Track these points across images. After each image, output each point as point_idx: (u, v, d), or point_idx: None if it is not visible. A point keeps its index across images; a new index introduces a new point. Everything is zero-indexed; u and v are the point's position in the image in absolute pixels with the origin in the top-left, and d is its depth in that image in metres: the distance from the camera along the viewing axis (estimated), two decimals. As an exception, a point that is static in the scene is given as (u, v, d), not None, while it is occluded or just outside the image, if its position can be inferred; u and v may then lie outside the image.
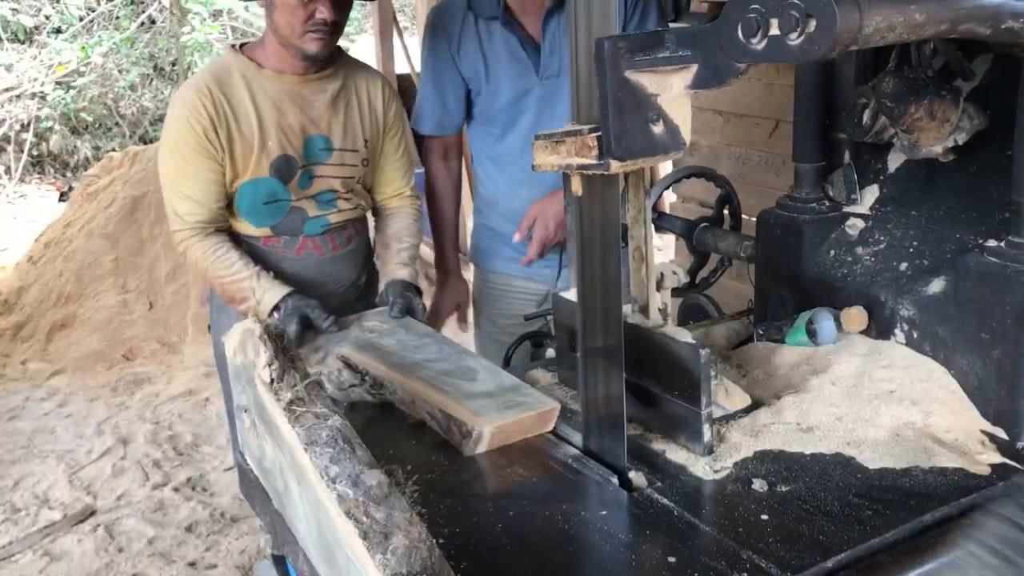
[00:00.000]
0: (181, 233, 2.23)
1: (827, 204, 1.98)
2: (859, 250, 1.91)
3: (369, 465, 1.20)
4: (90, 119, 9.90)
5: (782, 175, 3.53)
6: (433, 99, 2.59)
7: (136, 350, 5.14)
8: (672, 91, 1.30)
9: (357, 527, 1.08)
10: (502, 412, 1.64)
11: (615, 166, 1.32)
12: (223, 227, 2.27)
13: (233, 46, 2.31)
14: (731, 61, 1.20)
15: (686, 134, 1.33)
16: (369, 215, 2.56)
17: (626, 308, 1.67)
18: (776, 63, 1.88)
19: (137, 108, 10.09)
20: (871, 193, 1.97)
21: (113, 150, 8.22)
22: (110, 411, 4.41)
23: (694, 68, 1.27)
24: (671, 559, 1.29)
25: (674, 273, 1.70)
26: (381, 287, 2.36)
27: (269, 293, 2.15)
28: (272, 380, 1.34)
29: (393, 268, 2.37)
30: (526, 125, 2.52)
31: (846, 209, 1.98)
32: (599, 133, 1.32)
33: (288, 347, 1.42)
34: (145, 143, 9.00)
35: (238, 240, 2.30)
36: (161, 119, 9.53)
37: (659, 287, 1.66)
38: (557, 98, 2.46)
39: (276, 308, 2.13)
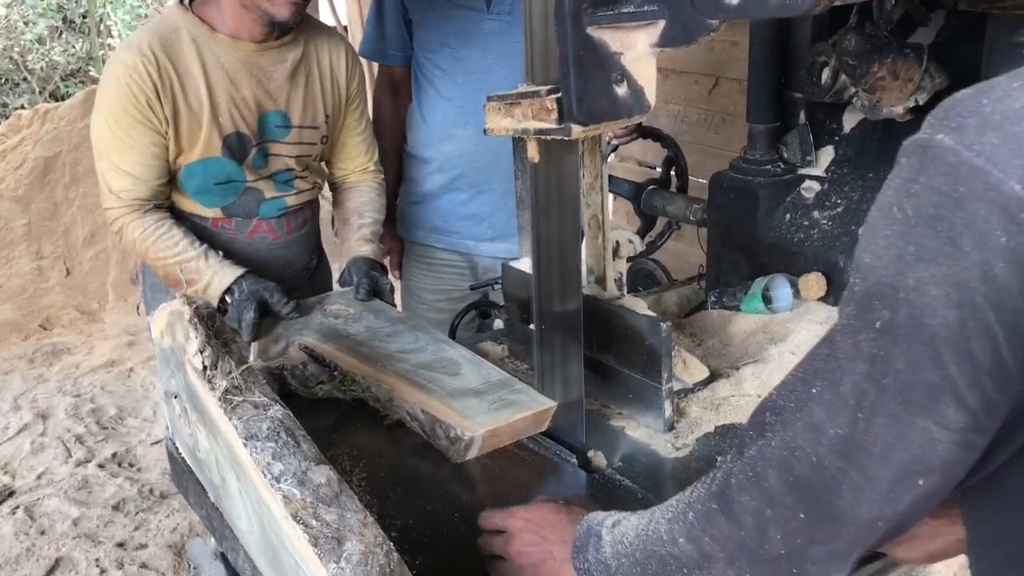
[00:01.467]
0: (116, 211, 1.97)
1: (781, 166, 1.92)
2: (816, 214, 1.85)
3: (316, 460, 1.10)
4: (-5, 74, 9.40)
5: (722, 133, 3.48)
6: (374, 23, 2.46)
7: (53, 319, 4.89)
8: (636, 49, 1.20)
9: (306, 532, 0.99)
10: (494, 413, 1.41)
11: (577, 131, 1.22)
12: (163, 204, 2.03)
13: (182, 1, 1.99)
14: (703, 17, 1.11)
15: (651, 96, 1.24)
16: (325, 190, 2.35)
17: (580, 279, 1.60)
18: (753, 18, 1.80)
19: (46, 63, 9.60)
20: (826, 155, 1.92)
21: (22, 107, 7.81)
22: (27, 384, 4.19)
23: (661, 24, 1.17)
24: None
25: (630, 241, 1.62)
26: (341, 265, 2.10)
27: (220, 275, 1.91)
28: (205, 368, 1.23)
29: (354, 244, 2.12)
30: (471, 63, 2.37)
31: (801, 171, 1.93)
32: (558, 95, 1.22)
33: (221, 330, 1.30)
34: (56, 100, 8.59)
35: (181, 219, 2.04)
36: (72, 75, 9.11)
37: (615, 255, 1.58)
38: (508, 39, 2.31)
39: (228, 291, 1.89)
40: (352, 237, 2.15)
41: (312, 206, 2.26)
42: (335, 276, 2.26)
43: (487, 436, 1.37)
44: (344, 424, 1.59)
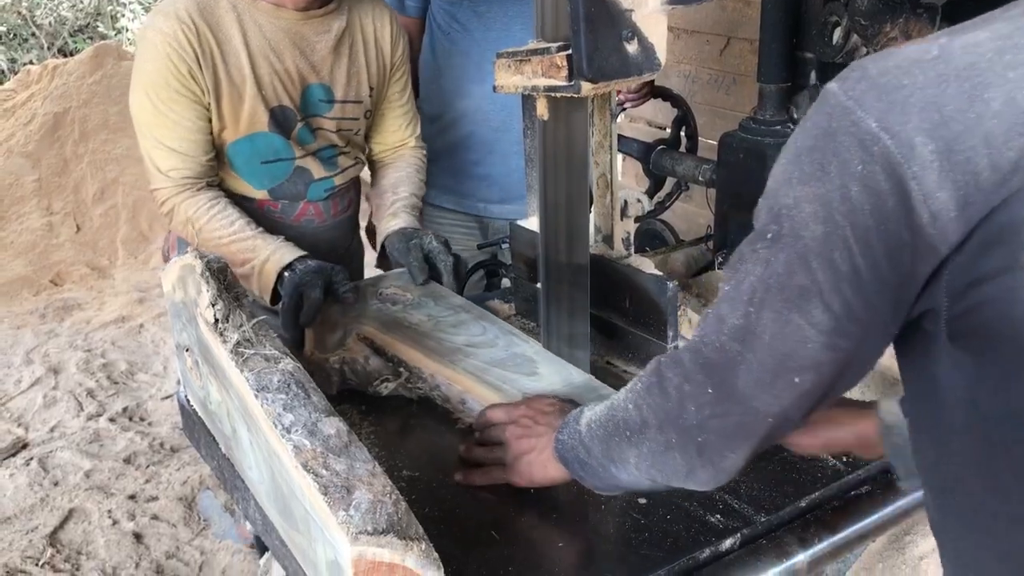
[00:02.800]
0: (165, 191, 1.84)
1: (791, 127, 1.92)
2: (824, 175, 1.85)
3: (326, 412, 1.12)
4: (3, 29, 9.36)
5: (732, 94, 3.46)
6: None
7: (64, 275, 4.92)
8: (648, 7, 1.21)
9: (316, 481, 1.01)
10: None
11: (586, 88, 1.23)
12: (214, 182, 1.90)
13: None
14: (714, -26, 1.11)
15: (661, 54, 1.25)
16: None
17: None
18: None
19: (55, 18, 9.55)
20: (836, 115, 1.91)
21: (30, 63, 7.80)
22: (39, 339, 4.23)
23: (672, -18, 1.17)
24: (642, 500, 1.25)
25: (638, 200, 1.62)
26: (380, 235, 2.00)
27: (279, 252, 1.75)
28: (216, 321, 1.24)
29: (387, 221, 1.99)
30: (491, 19, 2.30)
31: (811, 132, 1.92)
32: (569, 52, 1.22)
33: (233, 284, 1.32)
34: (65, 55, 8.56)
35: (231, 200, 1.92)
36: (81, 30, 9.06)
37: (623, 215, 1.58)
38: None
39: (289, 268, 1.72)
40: (384, 214, 2.02)
41: (356, 185, 2.17)
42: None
43: None
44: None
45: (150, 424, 3.53)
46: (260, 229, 1.82)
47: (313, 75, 1.91)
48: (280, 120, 1.88)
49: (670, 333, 1.48)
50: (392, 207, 2.02)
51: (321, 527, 1.00)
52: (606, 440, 1.05)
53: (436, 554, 0.97)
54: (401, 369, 1.55)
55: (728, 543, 1.17)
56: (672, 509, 1.22)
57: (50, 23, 9.59)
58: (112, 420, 3.53)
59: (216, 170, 1.89)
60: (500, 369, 1.48)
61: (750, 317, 0.84)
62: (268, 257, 1.75)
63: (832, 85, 0.79)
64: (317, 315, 1.63)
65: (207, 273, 1.28)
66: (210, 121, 1.84)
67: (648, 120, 3.85)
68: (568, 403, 1.28)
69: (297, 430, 1.08)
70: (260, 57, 1.83)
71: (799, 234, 0.79)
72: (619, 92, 2.30)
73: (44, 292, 4.76)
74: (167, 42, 1.75)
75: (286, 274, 1.71)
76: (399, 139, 2.16)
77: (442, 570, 0.96)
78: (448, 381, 1.47)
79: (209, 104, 1.81)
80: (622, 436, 1.02)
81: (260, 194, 1.95)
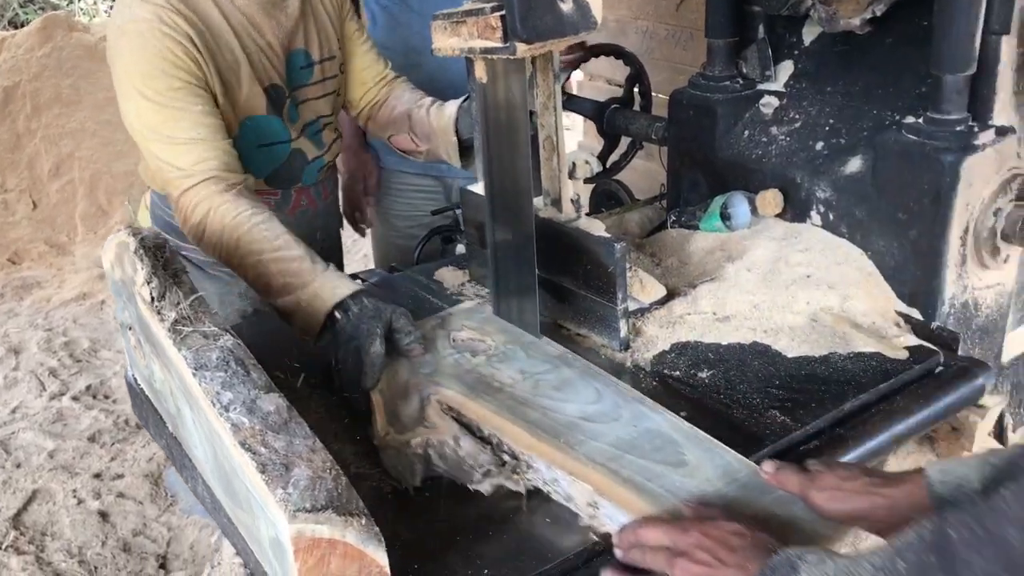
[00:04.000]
0: (195, 192, 1.55)
1: (740, 82, 1.90)
2: (774, 130, 1.84)
3: (266, 389, 1.11)
4: (-50, 2, 9.12)
5: (690, 49, 3.44)
6: None
7: (22, 253, 4.84)
8: (580, -36, 1.18)
9: (255, 459, 0.99)
10: None
11: (521, 49, 1.20)
12: (249, 184, 1.64)
13: None
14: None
15: (597, 12, 1.23)
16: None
17: (537, 201, 1.59)
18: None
19: (3, -11, 9.32)
20: (785, 69, 1.90)
21: (-21, 36, 7.61)
22: (-2, 319, 4.19)
23: (604, -63, 1.15)
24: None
25: (586, 162, 1.61)
26: (449, 132, 1.79)
27: (332, 282, 1.44)
28: (153, 298, 1.22)
29: (439, 110, 1.82)
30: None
31: (760, 87, 1.91)
32: (503, 12, 1.20)
33: (170, 260, 1.29)
34: (15, 27, 8.36)
35: None
36: (31, 0, 8.85)
37: (570, 176, 1.56)
38: None
39: (342, 307, 1.41)
40: (431, 114, 1.84)
41: (338, 164, 2.07)
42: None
43: None
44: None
45: (115, 401, 3.50)
46: (308, 248, 1.50)
47: (292, 41, 1.79)
48: (274, 99, 1.77)
49: (619, 295, 1.47)
50: (433, 107, 1.86)
51: (261, 505, 0.99)
52: None
53: (377, 528, 0.96)
54: (505, 456, 1.23)
55: (676, 503, 1.17)
56: (621, 472, 1.22)
57: (-2, -5, 9.36)
58: (76, 399, 3.50)
59: (241, 166, 1.65)
60: (635, 457, 1.18)
61: None
62: (317, 291, 1.43)
63: None
64: (382, 368, 1.36)
65: (141, 250, 1.25)
66: (216, 105, 1.64)
67: (607, 79, 3.81)
68: (761, 533, 0.97)
69: (236, 408, 1.07)
70: (244, 35, 1.69)
71: None
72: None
73: (2, 271, 4.69)
74: (155, 32, 1.56)
75: (338, 315, 1.41)
76: (377, 73, 1.99)
77: (383, 544, 0.96)
78: (570, 477, 1.15)
79: (214, 89, 1.64)
80: None
81: (257, 184, 1.77)
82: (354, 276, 1.79)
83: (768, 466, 1.11)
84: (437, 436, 1.26)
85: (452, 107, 1.82)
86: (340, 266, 2.07)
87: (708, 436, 1.21)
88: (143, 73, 1.57)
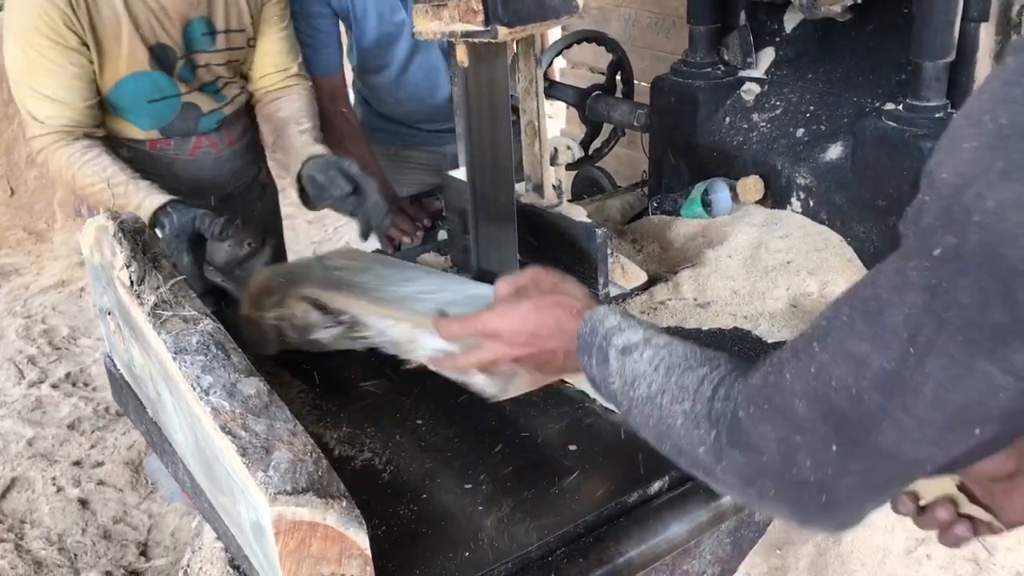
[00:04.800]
0: (41, 139, 1.83)
1: (722, 69, 1.91)
2: (755, 116, 1.85)
3: (246, 373, 1.10)
4: (-74, -14, 9.00)
5: (672, 37, 3.44)
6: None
7: (0, 240, 4.81)
8: (562, -53, 1.18)
9: (235, 442, 0.99)
10: None
11: (503, 32, 1.20)
12: (94, 132, 1.87)
13: None
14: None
15: (578, -4, 1.22)
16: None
17: (519, 187, 1.59)
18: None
19: (-20, -27, 9.20)
20: (767, 56, 1.91)
21: (-45, 21, 7.50)
22: (-25, 306, 4.15)
23: (586, -79, 1.15)
24: (572, 448, 1.25)
25: (568, 148, 1.61)
26: (294, 170, 1.84)
27: (151, 198, 1.73)
28: (132, 283, 1.21)
29: (303, 147, 1.88)
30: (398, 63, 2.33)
31: (742, 73, 1.91)
32: (484, -4, 1.20)
33: (149, 244, 1.28)
34: (-8, 13, 8.26)
35: (118, 146, 1.91)
36: (8, -15, 8.73)
37: (553, 162, 1.57)
38: None
39: (158, 220, 1.69)
40: (296, 142, 1.92)
41: (249, 112, 2.14)
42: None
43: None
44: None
45: (94, 389, 3.47)
46: (131, 173, 1.79)
47: (192, 10, 1.87)
48: (160, 58, 1.87)
49: (600, 280, 1.48)
50: (302, 136, 1.93)
51: (242, 488, 0.99)
52: (646, 415, 0.91)
53: (358, 511, 0.96)
54: (342, 319, 1.43)
55: (656, 486, 1.18)
56: (600, 453, 1.23)
57: (-25, -21, 9.22)
58: (55, 386, 3.47)
59: (98, 118, 1.87)
60: (455, 308, 1.31)
61: (907, 361, 0.63)
62: (140, 204, 1.73)
63: None
64: (194, 270, 1.67)
65: (120, 234, 1.25)
66: (88, 67, 1.81)
67: (590, 65, 3.81)
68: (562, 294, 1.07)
69: (216, 391, 1.07)
70: None
71: (999, 252, 0.57)
72: None
73: (-21, 258, 4.65)
74: None
75: (157, 229, 1.70)
76: (283, 65, 2.05)
77: (364, 527, 0.96)
78: (391, 322, 1.35)
79: (87, 47, 1.79)
80: (671, 446, 0.88)
81: (151, 134, 1.94)
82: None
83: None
84: (289, 312, 1.48)
85: (306, 150, 1.86)
86: (275, 211, 2.30)
87: None
88: (22, 27, 1.76)
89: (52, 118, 1.81)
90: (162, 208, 1.69)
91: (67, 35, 1.76)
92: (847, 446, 0.69)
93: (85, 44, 1.79)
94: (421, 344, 1.29)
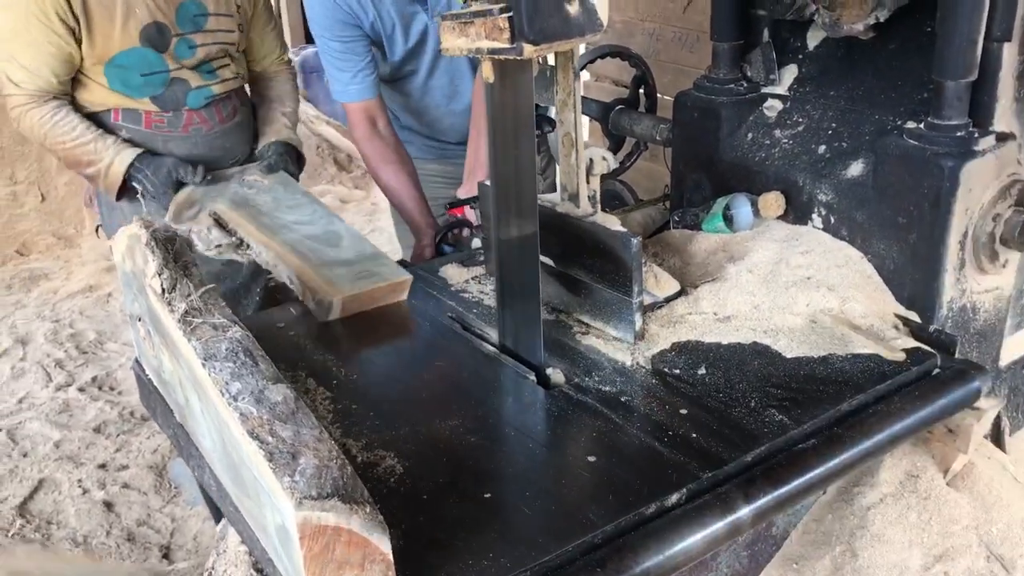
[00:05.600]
0: (15, 99, 2.07)
1: (745, 85, 1.92)
2: (777, 133, 1.86)
3: (273, 380, 1.13)
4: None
5: (696, 51, 3.46)
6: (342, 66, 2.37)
7: (30, 244, 4.88)
8: (588, -33, 1.20)
9: (262, 447, 1.02)
10: (356, 282, 1.68)
11: (528, 50, 1.22)
12: (63, 96, 2.12)
13: None
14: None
15: (603, 14, 1.24)
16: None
17: (555, 196, 1.62)
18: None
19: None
20: (789, 73, 1.92)
21: (-10, 29, 7.61)
22: (5, 310, 4.20)
23: (611, -58, 1.17)
24: (591, 459, 1.27)
25: (603, 159, 1.63)
26: (261, 145, 2.33)
27: (120, 154, 2.09)
28: (164, 290, 1.24)
29: (276, 128, 2.35)
30: (425, 68, 2.43)
31: (764, 90, 1.93)
32: (511, 14, 1.22)
33: (180, 253, 1.31)
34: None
35: (116, 129, 2.17)
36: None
37: (589, 172, 1.59)
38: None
39: (135, 169, 2.09)
40: (276, 122, 2.36)
41: (240, 95, 2.37)
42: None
43: (347, 300, 1.64)
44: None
45: (120, 393, 3.52)
46: (99, 131, 2.10)
47: None
48: (153, 36, 2.09)
49: (635, 288, 1.50)
50: (282, 119, 2.38)
51: (268, 493, 1.01)
52: None
53: (381, 517, 0.99)
54: (235, 239, 1.86)
55: (674, 498, 1.19)
56: (619, 465, 1.24)
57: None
58: (81, 390, 3.52)
59: (67, 89, 2.11)
60: (311, 241, 1.81)
61: None
62: (111, 161, 2.08)
63: None
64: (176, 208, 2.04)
65: (153, 243, 1.28)
66: (68, 50, 2.02)
67: (614, 79, 3.83)
68: None
69: (244, 398, 1.09)
70: None
71: None
72: None
73: (10, 263, 4.72)
74: None
75: (134, 179, 2.10)
76: (275, 55, 2.44)
77: (387, 532, 0.98)
78: (267, 248, 1.80)
79: (80, 32, 2.00)
80: None
81: (145, 104, 2.16)
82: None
83: None
84: (198, 226, 1.93)
85: (276, 132, 2.35)
86: None
87: (364, 236, 1.86)
88: (13, 1, 1.98)
89: (26, 82, 2.05)
90: (134, 163, 2.08)
91: (54, 19, 1.98)
92: None
93: (71, 29, 2.00)
94: (279, 270, 1.75)
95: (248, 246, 1.84)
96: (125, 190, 2.15)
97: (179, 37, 2.13)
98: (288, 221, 1.91)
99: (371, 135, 2.38)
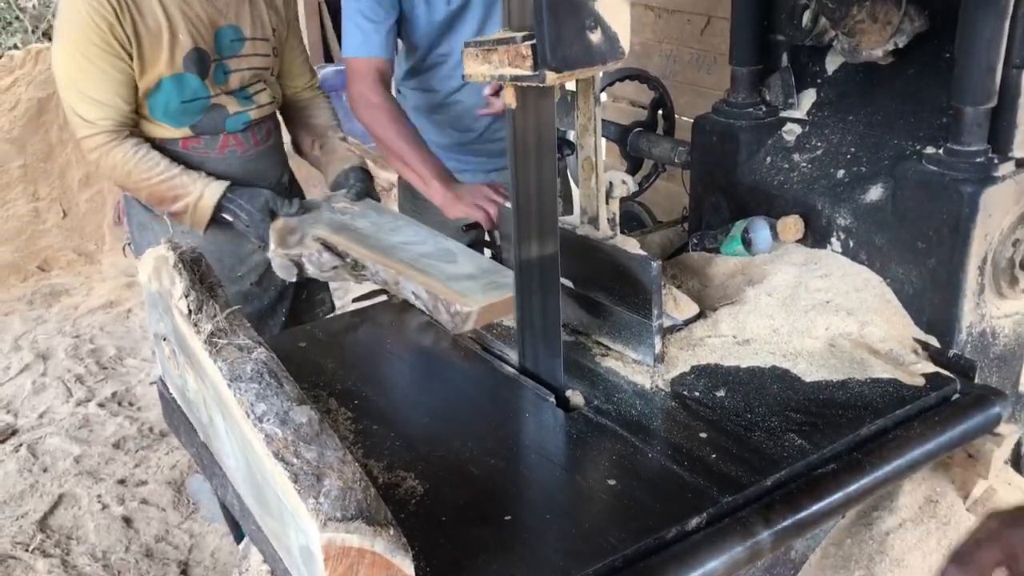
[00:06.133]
0: (94, 139, 2.03)
1: (764, 109, 1.94)
2: (796, 156, 1.87)
3: (298, 401, 1.14)
4: (-14, 13, 9.27)
5: (714, 73, 3.47)
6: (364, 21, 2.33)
7: (51, 260, 4.93)
8: (610, -4, 1.22)
9: (287, 469, 1.03)
10: (487, 293, 1.68)
11: (551, 77, 1.24)
12: (136, 131, 2.10)
13: None
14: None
15: (625, 42, 1.26)
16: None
17: (574, 219, 1.64)
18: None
19: (39, 1, 9.47)
20: (808, 97, 1.93)
21: (14, 47, 7.73)
22: (27, 325, 4.25)
23: (633, -29, 1.19)
24: (611, 482, 1.27)
25: (623, 182, 1.65)
26: (331, 176, 2.30)
27: (210, 187, 2.07)
28: (190, 311, 1.26)
29: (343, 156, 2.32)
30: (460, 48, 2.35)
31: (783, 114, 1.94)
32: (533, 42, 1.24)
33: (206, 274, 1.33)
34: (49, 40, 8.48)
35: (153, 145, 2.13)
36: (64, 13, 8.95)
37: (608, 195, 1.61)
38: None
39: (225, 201, 2.07)
40: (338, 148, 2.34)
41: (273, 120, 2.37)
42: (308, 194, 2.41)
43: (482, 311, 1.64)
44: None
45: (139, 409, 3.55)
46: (182, 167, 2.08)
47: (221, 18, 2.11)
48: (196, 62, 2.08)
49: (654, 311, 1.51)
50: (344, 144, 2.37)
51: (293, 514, 1.03)
52: None
53: (405, 539, 1.00)
54: (347, 260, 1.87)
55: (694, 522, 1.20)
56: (639, 489, 1.25)
57: (34, 6, 9.50)
58: (101, 405, 3.55)
59: (136, 120, 2.09)
60: (428, 259, 1.83)
61: None
62: (201, 193, 2.07)
63: None
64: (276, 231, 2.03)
65: (180, 264, 1.30)
66: (131, 71, 2.01)
67: (632, 100, 3.85)
68: None
69: (269, 419, 1.10)
70: (172, 5, 2.02)
71: None
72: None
73: (32, 278, 4.77)
74: (86, 2, 1.93)
75: (226, 204, 2.07)
76: (307, 81, 2.43)
77: (410, 554, 0.99)
78: (383, 266, 1.81)
79: (131, 54, 1.99)
80: None
81: (182, 132, 2.13)
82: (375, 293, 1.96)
83: None
84: (308, 250, 1.92)
85: (346, 159, 2.31)
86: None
87: (475, 252, 1.88)
88: (74, 36, 1.98)
89: (103, 119, 2.02)
90: (226, 195, 2.07)
91: (113, 43, 1.97)
92: None
93: (128, 52, 1.99)
94: (403, 286, 1.77)
95: (363, 267, 1.85)
96: (211, 221, 2.14)
97: (217, 62, 2.13)
98: (396, 242, 1.91)
99: (380, 91, 2.32)
